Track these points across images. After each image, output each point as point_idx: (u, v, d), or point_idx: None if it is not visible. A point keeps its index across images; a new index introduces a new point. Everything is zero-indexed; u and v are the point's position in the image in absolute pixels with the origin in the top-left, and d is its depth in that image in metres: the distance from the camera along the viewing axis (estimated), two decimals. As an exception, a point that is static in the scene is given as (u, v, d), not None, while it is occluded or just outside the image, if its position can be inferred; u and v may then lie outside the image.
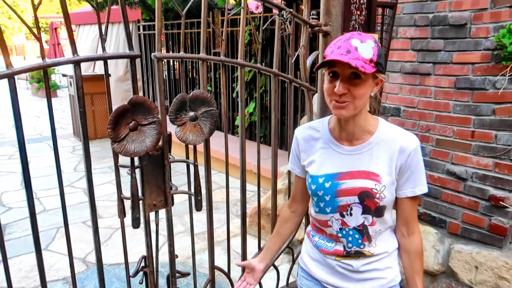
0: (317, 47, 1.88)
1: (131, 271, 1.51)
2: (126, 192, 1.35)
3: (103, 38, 1.25)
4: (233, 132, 5.60)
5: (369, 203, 1.09)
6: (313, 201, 1.20)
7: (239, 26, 1.64)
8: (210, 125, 1.51)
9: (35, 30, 1.18)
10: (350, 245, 1.15)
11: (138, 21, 7.12)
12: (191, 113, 1.46)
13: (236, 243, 2.41)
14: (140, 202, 1.42)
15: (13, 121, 1.26)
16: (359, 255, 1.16)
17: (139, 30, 7.15)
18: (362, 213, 1.11)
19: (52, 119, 1.26)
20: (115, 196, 1.58)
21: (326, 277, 1.22)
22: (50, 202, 3.92)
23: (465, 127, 2.13)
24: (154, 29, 5.43)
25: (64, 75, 7.81)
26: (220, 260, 2.65)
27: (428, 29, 2.25)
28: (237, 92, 5.23)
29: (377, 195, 1.09)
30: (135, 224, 1.40)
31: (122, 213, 1.40)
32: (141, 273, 1.54)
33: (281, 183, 3.07)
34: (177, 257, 1.64)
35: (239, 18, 1.84)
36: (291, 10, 1.71)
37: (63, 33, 15.52)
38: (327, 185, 1.13)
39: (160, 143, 1.40)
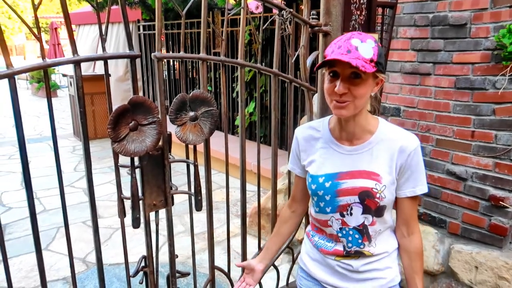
0: (317, 47, 1.88)
1: (131, 271, 1.51)
2: (126, 192, 1.35)
3: (103, 38, 1.26)
4: (233, 132, 5.59)
5: (370, 203, 1.09)
6: (313, 201, 1.20)
7: (239, 26, 1.64)
8: (210, 125, 1.51)
9: (35, 30, 1.18)
10: (350, 245, 1.15)
11: (138, 21, 7.12)
12: (191, 113, 1.46)
13: (236, 243, 2.41)
14: (140, 202, 1.43)
15: (13, 121, 1.26)
16: (359, 255, 1.16)
17: (139, 30, 7.15)
18: (362, 213, 1.11)
19: (52, 119, 1.26)
20: (115, 196, 1.58)
21: (326, 277, 1.22)
22: (50, 202, 3.92)
23: (465, 127, 2.13)
24: (154, 29, 5.43)
25: (64, 75, 7.81)
26: (220, 260, 2.65)
27: (428, 29, 2.25)
28: (237, 92, 5.23)
29: (377, 195, 1.09)
30: (135, 224, 1.40)
31: (122, 213, 1.40)
32: (141, 273, 1.54)
33: (281, 183, 3.07)
34: (177, 257, 1.64)
35: (239, 18, 1.84)
36: (291, 10, 1.71)
37: (63, 33, 15.52)
38: (327, 184, 1.13)
39: (160, 143, 1.40)
